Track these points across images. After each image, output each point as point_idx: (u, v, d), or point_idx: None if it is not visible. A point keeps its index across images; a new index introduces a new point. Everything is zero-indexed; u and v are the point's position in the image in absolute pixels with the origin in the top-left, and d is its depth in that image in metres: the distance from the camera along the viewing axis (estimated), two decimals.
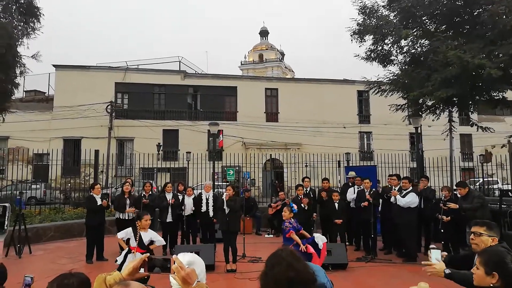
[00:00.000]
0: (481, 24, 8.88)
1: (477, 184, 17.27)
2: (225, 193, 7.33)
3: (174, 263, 1.54)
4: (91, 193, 7.99)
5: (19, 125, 21.13)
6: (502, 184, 15.99)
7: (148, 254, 1.60)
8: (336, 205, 8.29)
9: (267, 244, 9.70)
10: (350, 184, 9.58)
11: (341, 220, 8.16)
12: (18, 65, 11.23)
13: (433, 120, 11.62)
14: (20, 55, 11.19)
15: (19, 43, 11.11)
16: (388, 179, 8.91)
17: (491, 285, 2.18)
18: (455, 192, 8.19)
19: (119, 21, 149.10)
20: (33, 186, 18.33)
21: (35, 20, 11.47)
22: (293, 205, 6.73)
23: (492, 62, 7.70)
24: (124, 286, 1.44)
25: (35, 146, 17.97)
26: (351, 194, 8.89)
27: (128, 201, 8.21)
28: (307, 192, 8.83)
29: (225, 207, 7.05)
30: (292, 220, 6.13)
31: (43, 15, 11.68)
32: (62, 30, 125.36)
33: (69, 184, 17.82)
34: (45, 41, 13.89)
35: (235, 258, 7.17)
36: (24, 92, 26.86)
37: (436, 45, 8.49)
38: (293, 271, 1.61)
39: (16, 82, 11.65)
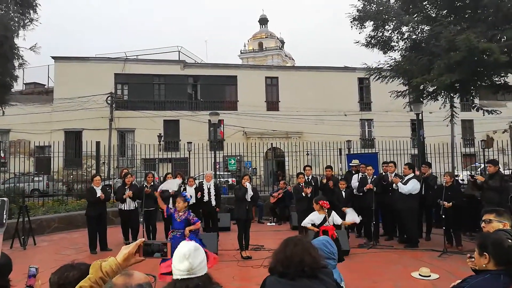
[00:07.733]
0: (483, 8, 8.75)
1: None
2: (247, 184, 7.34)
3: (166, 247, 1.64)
4: (92, 185, 8.11)
5: (19, 118, 21.11)
6: (504, 170, 15.96)
7: (143, 239, 1.61)
8: (344, 193, 8.30)
9: (269, 232, 9.77)
10: (354, 172, 9.57)
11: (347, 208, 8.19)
12: (16, 57, 11.12)
13: (435, 103, 11.50)
14: (18, 47, 11.07)
15: (16, 34, 10.97)
16: (384, 167, 8.91)
17: (484, 266, 2.17)
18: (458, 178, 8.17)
19: (117, 13, 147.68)
20: (36, 179, 18.39)
21: (31, 11, 11.32)
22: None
23: (497, 47, 7.60)
24: (127, 276, 1.45)
25: (37, 138, 17.97)
26: (355, 182, 8.88)
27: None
28: (309, 180, 8.84)
29: (246, 196, 7.19)
30: None
31: (40, 5, 11.53)
32: (59, 21, 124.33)
33: (71, 176, 17.92)
34: (43, 33, 13.76)
35: (248, 245, 7.33)
36: (24, 85, 26.77)
37: (438, 30, 8.37)
38: (307, 255, 1.95)
39: (15, 74, 11.55)
